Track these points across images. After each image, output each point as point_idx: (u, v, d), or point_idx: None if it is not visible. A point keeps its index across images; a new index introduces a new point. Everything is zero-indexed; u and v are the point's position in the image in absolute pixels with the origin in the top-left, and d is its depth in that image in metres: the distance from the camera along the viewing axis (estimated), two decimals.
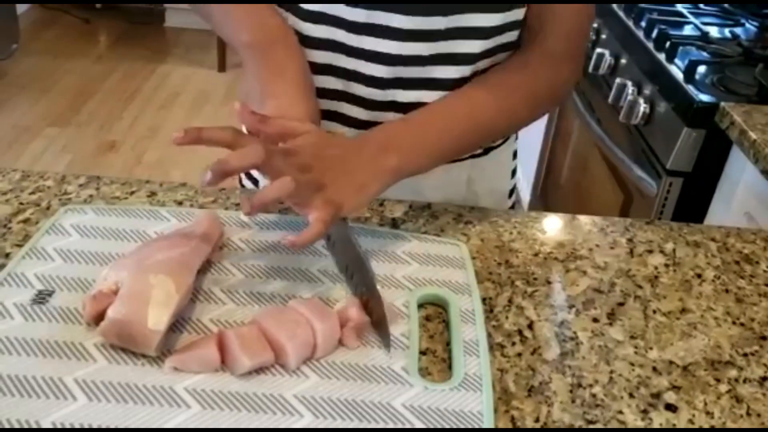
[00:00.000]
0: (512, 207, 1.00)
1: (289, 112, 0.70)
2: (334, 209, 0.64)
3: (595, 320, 0.69)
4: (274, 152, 0.63)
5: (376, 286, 0.66)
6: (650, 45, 1.57)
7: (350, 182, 0.67)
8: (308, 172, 0.64)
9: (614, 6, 1.80)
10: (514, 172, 0.99)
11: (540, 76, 0.82)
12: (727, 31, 1.69)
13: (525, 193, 2.62)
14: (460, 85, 0.80)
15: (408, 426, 0.54)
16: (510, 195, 0.99)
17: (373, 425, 0.54)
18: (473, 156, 0.90)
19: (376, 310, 0.63)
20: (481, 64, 0.82)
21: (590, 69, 1.76)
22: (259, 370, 0.58)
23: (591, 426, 0.57)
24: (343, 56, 0.80)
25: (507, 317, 0.68)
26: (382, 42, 0.77)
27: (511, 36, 0.82)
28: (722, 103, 1.30)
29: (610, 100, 1.62)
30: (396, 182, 0.72)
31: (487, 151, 0.92)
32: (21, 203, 0.79)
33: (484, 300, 0.70)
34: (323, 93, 0.82)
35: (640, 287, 0.75)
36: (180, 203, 0.81)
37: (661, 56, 1.51)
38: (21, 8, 3.99)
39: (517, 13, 0.80)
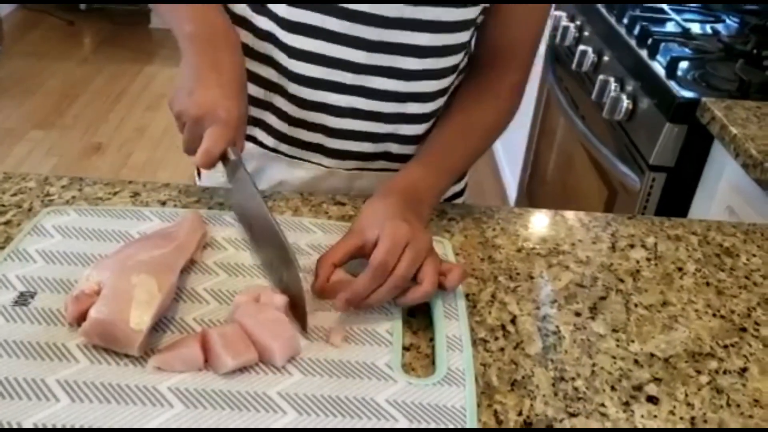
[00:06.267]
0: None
1: (216, 103, 0.70)
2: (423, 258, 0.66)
3: (578, 314, 0.70)
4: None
5: (293, 261, 0.65)
6: (632, 42, 1.58)
7: (419, 229, 0.68)
8: (416, 260, 0.65)
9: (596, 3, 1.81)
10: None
11: (502, 109, 0.88)
12: (708, 28, 1.70)
13: (511, 190, 2.63)
14: (395, 98, 0.83)
15: (391, 421, 0.55)
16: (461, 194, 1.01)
17: (356, 421, 0.54)
18: None
19: (292, 285, 0.64)
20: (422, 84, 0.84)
21: (573, 66, 1.77)
22: (243, 368, 0.58)
23: (573, 419, 0.58)
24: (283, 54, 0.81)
25: (490, 312, 0.69)
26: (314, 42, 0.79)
27: (451, 59, 0.84)
28: (703, 99, 1.31)
29: (593, 96, 1.63)
30: None
31: None
32: (3, 205, 0.78)
33: (467, 295, 0.70)
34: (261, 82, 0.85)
35: (622, 281, 0.75)
36: (163, 203, 0.81)
37: (643, 53, 1.52)
38: (4, 10, 3.97)
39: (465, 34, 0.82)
